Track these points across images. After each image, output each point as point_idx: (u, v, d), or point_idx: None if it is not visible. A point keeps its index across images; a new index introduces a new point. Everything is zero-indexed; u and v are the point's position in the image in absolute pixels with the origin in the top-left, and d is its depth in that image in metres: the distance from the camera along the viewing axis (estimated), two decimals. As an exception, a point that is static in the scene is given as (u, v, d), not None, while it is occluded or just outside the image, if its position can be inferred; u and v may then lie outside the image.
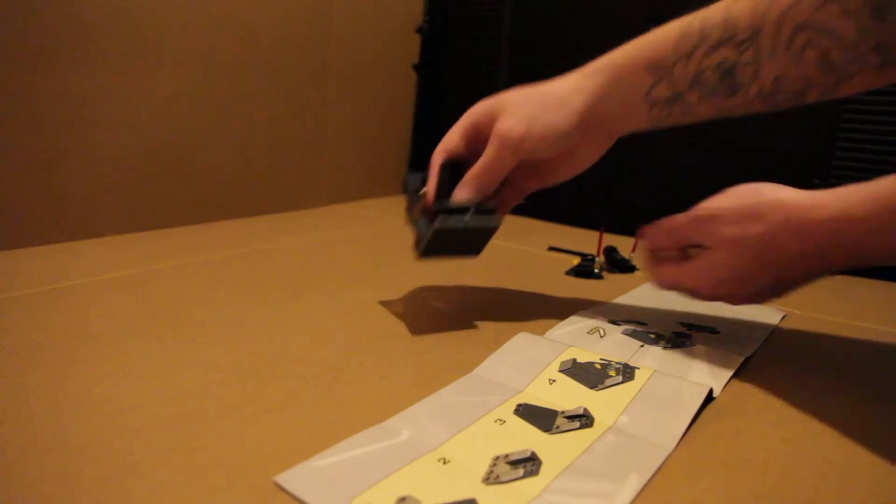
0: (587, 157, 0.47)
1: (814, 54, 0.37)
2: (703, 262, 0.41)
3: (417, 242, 0.46)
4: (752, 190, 0.40)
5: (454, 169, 0.45)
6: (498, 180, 0.44)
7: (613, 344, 0.43)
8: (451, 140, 0.47)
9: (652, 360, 0.40)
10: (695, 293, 0.42)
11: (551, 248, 0.72)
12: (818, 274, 0.39)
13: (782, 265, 0.38)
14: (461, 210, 0.43)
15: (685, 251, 0.43)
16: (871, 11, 0.35)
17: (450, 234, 0.44)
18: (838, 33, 0.36)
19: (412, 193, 0.47)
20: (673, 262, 0.43)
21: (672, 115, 0.44)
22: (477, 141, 0.46)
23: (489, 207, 0.44)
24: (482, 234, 0.46)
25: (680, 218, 0.42)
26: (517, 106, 0.44)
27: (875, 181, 0.35)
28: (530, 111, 0.43)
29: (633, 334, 0.44)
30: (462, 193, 0.44)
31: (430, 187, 0.45)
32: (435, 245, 0.45)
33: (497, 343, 0.41)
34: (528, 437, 0.31)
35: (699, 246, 0.41)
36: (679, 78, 0.42)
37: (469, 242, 0.46)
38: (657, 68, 0.43)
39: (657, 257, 0.44)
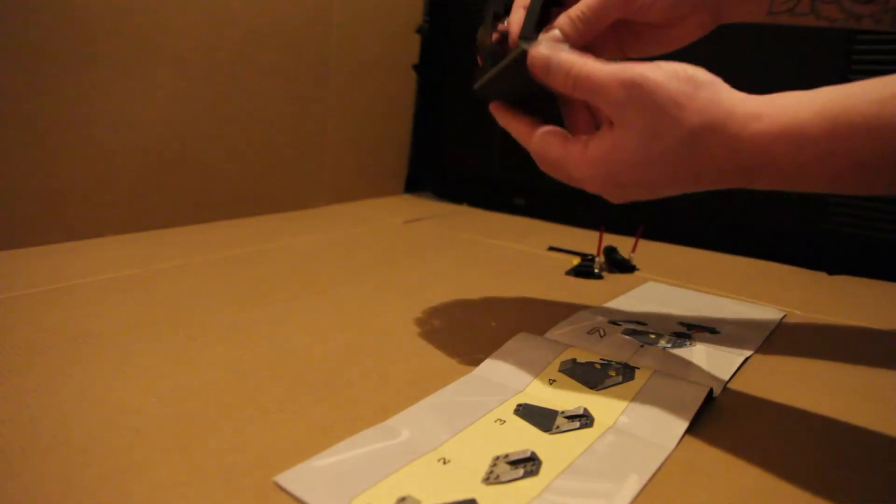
0: (686, 35, 0.41)
1: None
2: (601, 142, 0.34)
3: (480, 72, 0.41)
4: (690, 76, 0.33)
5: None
6: (601, 27, 0.38)
7: (613, 344, 0.43)
8: None
9: (652, 360, 0.40)
10: (576, 178, 0.37)
11: (551, 248, 0.72)
12: (726, 186, 0.35)
13: (693, 174, 0.34)
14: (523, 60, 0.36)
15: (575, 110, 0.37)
16: None
17: (521, 75, 0.37)
18: None
19: (492, 17, 0.41)
20: (561, 132, 0.37)
21: (797, 8, 0.38)
22: None
23: None
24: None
25: (603, 69, 0.34)
26: None
27: (818, 92, 0.30)
28: None
29: (633, 334, 0.44)
30: (556, 33, 0.38)
31: (516, 18, 0.38)
32: (499, 84, 0.40)
33: (497, 343, 0.41)
34: (528, 437, 0.31)
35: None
36: None
37: (541, 89, 0.38)
38: None
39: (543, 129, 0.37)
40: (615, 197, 0.37)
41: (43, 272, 0.54)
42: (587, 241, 0.72)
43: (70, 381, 0.35)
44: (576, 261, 0.65)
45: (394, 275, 0.59)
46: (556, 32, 0.38)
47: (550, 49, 0.36)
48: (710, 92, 0.32)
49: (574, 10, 0.38)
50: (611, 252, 0.65)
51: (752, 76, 0.41)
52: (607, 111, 0.34)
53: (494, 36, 0.41)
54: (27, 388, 0.34)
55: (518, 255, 0.69)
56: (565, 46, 0.36)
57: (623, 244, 0.67)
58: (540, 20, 0.38)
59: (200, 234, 0.71)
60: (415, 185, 1.05)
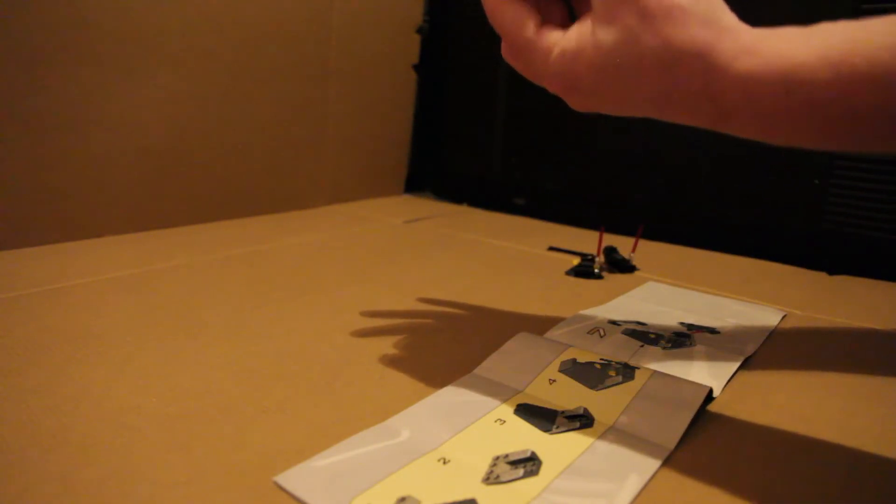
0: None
1: None
2: (578, 36, 0.31)
3: None
4: None
5: None
6: None
7: (613, 344, 0.43)
8: None
9: (652, 360, 0.40)
10: (542, 67, 0.33)
11: (551, 248, 0.72)
12: (692, 123, 0.31)
13: (662, 98, 0.31)
14: None
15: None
16: None
17: None
18: None
19: None
20: (535, 16, 0.33)
21: None
22: None
23: None
24: None
25: None
26: None
27: (817, 29, 0.27)
28: None
29: (633, 334, 0.44)
30: None
31: None
32: None
33: (497, 343, 0.41)
34: (528, 437, 0.31)
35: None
36: None
37: None
38: None
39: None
40: (575, 102, 0.34)
41: (43, 272, 0.54)
42: (587, 241, 0.72)
43: (70, 381, 0.35)
44: (576, 261, 0.65)
45: (394, 275, 0.59)
46: None
47: None
48: (706, 9, 0.29)
49: None
50: (611, 252, 0.65)
51: (756, 14, 0.38)
52: (595, 2, 0.31)
53: None
54: (27, 388, 0.34)
55: (518, 255, 0.69)
56: None
57: (623, 244, 0.67)
58: None
59: (200, 234, 0.71)
60: (415, 185, 1.05)
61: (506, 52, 0.35)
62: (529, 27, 0.33)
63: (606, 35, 0.30)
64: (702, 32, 0.29)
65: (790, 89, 0.27)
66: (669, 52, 0.29)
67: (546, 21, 0.34)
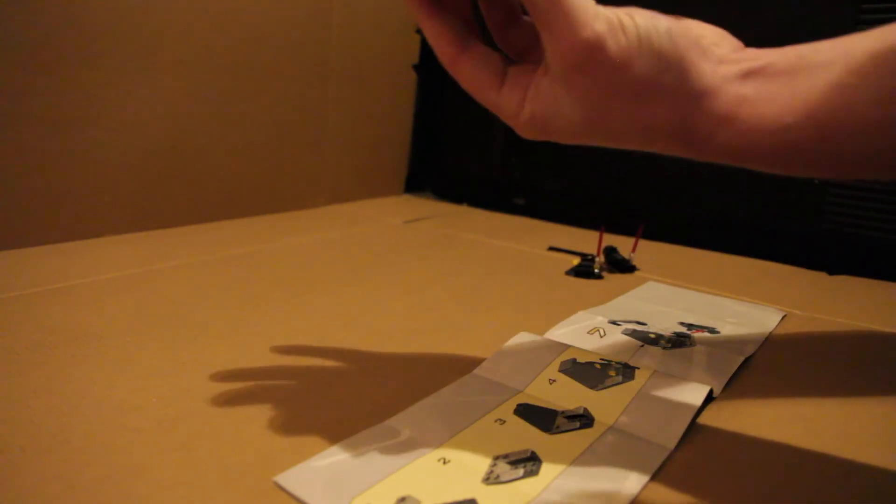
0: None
1: None
2: (540, 103, 0.29)
3: None
4: (658, 52, 0.27)
5: None
6: None
7: (613, 344, 0.43)
8: None
9: (652, 360, 0.40)
10: (510, 122, 0.31)
11: (551, 248, 0.72)
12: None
13: (640, 147, 0.30)
14: None
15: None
16: None
17: None
18: None
19: None
20: (497, 61, 0.31)
21: None
22: None
23: None
24: None
25: (575, 8, 0.26)
26: None
27: (801, 77, 0.26)
28: None
29: (633, 334, 0.44)
30: None
31: None
32: None
33: (497, 343, 0.41)
34: (528, 437, 0.31)
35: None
36: None
37: None
38: None
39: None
40: (550, 139, 0.32)
41: (43, 272, 0.54)
42: (587, 241, 0.72)
43: (70, 381, 0.35)
44: (576, 261, 0.65)
45: (394, 275, 0.59)
46: None
47: None
48: (676, 75, 0.27)
49: None
50: (611, 252, 0.65)
51: (757, 28, 0.36)
52: (553, 62, 0.28)
53: None
54: (27, 388, 0.34)
55: (518, 255, 0.69)
56: None
57: (623, 244, 0.67)
58: None
59: (200, 234, 0.71)
60: (415, 185, 1.05)
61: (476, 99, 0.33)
62: (491, 92, 0.31)
63: (572, 107, 0.28)
64: (674, 109, 0.27)
65: (776, 152, 0.27)
66: (644, 129, 0.28)
67: (501, 39, 0.32)
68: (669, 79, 0.27)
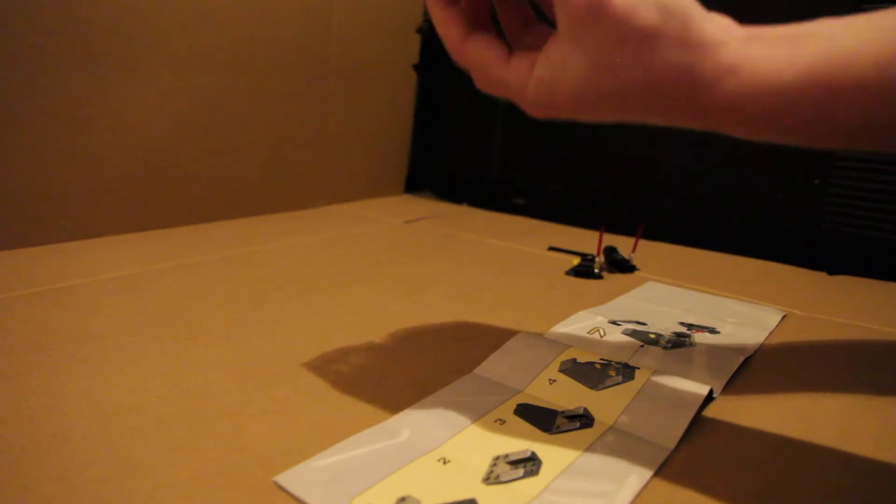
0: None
1: None
2: (549, 64, 0.30)
3: None
4: (662, 3, 0.28)
5: None
6: None
7: (613, 344, 0.43)
8: None
9: (652, 360, 0.40)
10: (518, 94, 0.32)
11: (551, 248, 0.72)
12: (676, 125, 0.31)
13: (644, 112, 0.30)
14: None
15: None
16: None
17: None
18: None
19: None
20: (502, 44, 0.32)
21: None
22: None
23: None
24: None
25: None
26: None
27: (802, 39, 0.27)
28: None
29: (633, 334, 0.44)
30: None
31: None
32: None
33: (497, 343, 0.41)
34: (528, 437, 0.31)
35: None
36: None
37: None
38: None
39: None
40: (551, 115, 0.32)
41: (43, 272, 0.54)
42: (587, 241, 0.72)
43: (70, 381, 0.35)
44: (576, 261, 0.65)
45: (394, 275, 0.59)
46: None
47: None
48: (680, 25, 0.27)
49: None
50: (611, 252, 0.65)
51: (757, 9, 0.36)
52: (562, 22, 0.29)
53: None
54: (27, 388, 0.34)
55: (518, 255, 0.69)
56: None
57: (623, 244, 0.67)
58: None
59: (200, 234, 0.71)
60: (415, 185, 1.05)
61: (480, 85, 0.34)
62: (497, 66, 0.32)
63: (579, 64, 0.29)
64: (680, 56, 0.28)
65: (776, 109, 0.27)
66: (650, 79, 0.28)
67: (515, 39, 0.33)
68: (673, 27, 0.27)
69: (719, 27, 0.28)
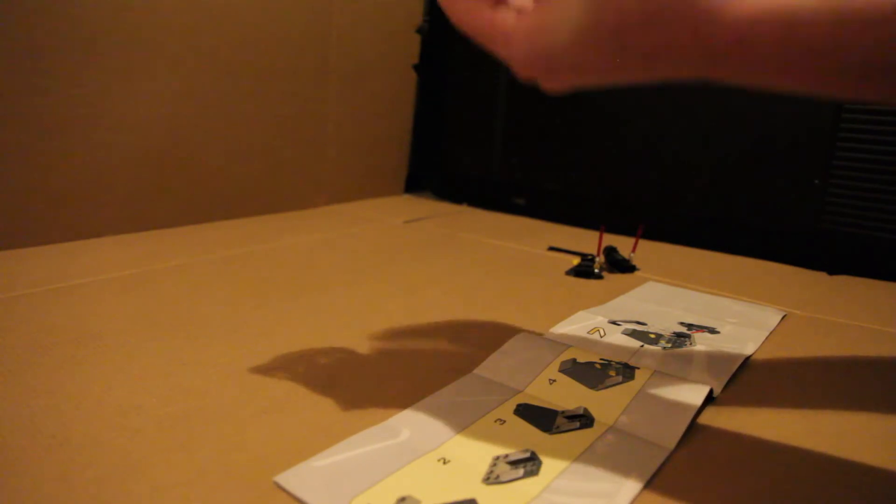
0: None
1: None
2: (538, 11, 0.28)
3: None
4: None
5: None
6: None
7: (613, 344, 0.43)
8: None
9: (652, 360, 0.40)
10: (505, 50, 0.30)
11: (551, 248, 0.72)
12: (678, 76, 0.28)
13: (646, 59, 0.27)
14: None
15: None
16: None
17: None
18: None
19: None
20: None
21: None
22: None
23: None
24: None
25: None
26: None
27: None
28: None
29: (633, 334, 0.44)
30: None
31: None
32: None
33: (497, 343, 0.41)
34: (528, 437, 0.31)
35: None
36: None
37: None
38: None
39: None
40: (549, 82, 0.30)
41: (43, 272, 0.54)
42: (587, 241, 0.72)
43: (70, 381, 0.35)
44: (576, 261, 0.65)
45: (394, 275, 0.59)
46: None
47: None
48: None
49: None
50: (611, 252, 0.65)
51: None
52: None
53: None
54: (27, 388, 0.34)
55: (518, 255, 0.69)
56: None
57: (623, 244, 0.67)
58: None
59: (200, 234, 0.71)
60: (415, 185, 1.05)
61: (463, 29, 0.31)
62: (478, 15, 0.30)
63: (571, 6, 0.26)
64: None
65: (787, 34, 0.24)
66: (648, 13, 0.25)
67: None
68: None
69: None
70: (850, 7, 0.23)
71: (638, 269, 0.64)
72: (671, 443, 0.31)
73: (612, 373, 0.37)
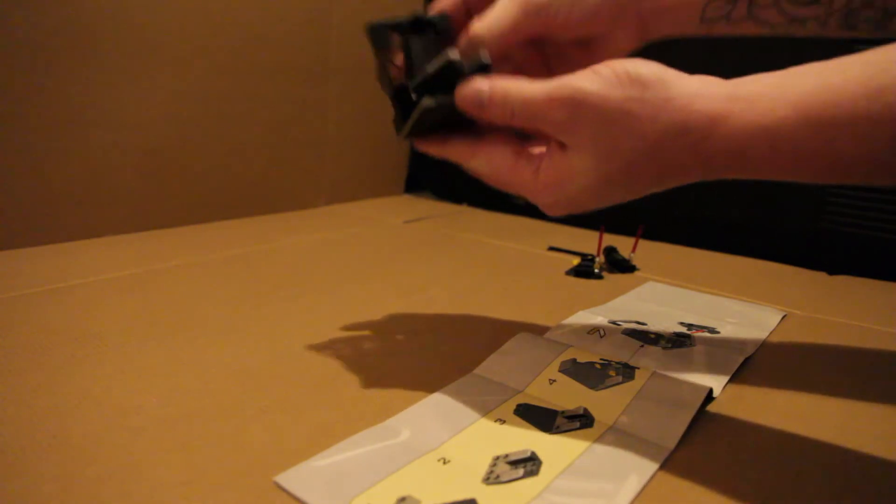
0: (615, 53, 0.37)
1: None
2: (553, 168, 0.32)
3: (397, 119, 0.37)
4: (633, 77, 0.29)
5: (432, 38, 0.36)
6: (507, 40, 0.36)
7: (613, 344, 0.43)
8: None
9: (652, 360, 0.40)
10: (531, 199, 0.34)
11: (551, 248, 0.72)
12: (690, 181, 0.32)
13: (656, 180, 0.31)
14: (449, 75, 0.33)
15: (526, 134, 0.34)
16: None
17: (439, 111, 0.34)
18: None
19: (382, 49, 0.39)
20: (509, 145, 0.34)
21: (733, 14, 0.35)
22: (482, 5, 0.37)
23: (484, 63, 0.33)
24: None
25: (538, 91, 0.31)
26: None
27: (789, 77, 0.28)
28: None
29: (633, 334, 0.44)
30: (455, 51, 0.33)
31: (400, 60, 0.37)
32: (420, 126, 0.35)
33: (497, 343, 0.41)
34: (528, 437, 0.31)
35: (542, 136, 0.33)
36: None
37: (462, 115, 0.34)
38: None
39: (483, 127, 0.34)
40: (576, 211, 0.34)
41: (43, 272, 0.54)
42: (587, 241, 0.72)
43: (70, 381, 0.35)
44: (576, 261, 0.65)
45: (394, 275, 0.59)
46: (476, 37, 0.35)
47: (478, 84, 0.32)
48: (660, 90, 0.29)
49: (473, 25, 0.36)
50: (611, 252, 0.65)
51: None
52: (554, 134, 0.31)
53: (394, 72, 0.37)
54: (27, 388, 0.34)
55: (518, 255, 0.69)
56: (486, 58, 0.33)
57: (623, 244, 0.67)
58: (428, 55, 0.35)
59: (200, 234, 0.71)
60: (415, 185, 1.05)
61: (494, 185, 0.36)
62: (504, 172, 0.34)
63: (582, 159, 0.31)
64: (667, 112, 0.29)
65: (773, 147, 0.27)
66: (649, 145, 0.29)
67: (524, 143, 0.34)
68: (654, 92, 0.29)
69: (703, 81, 0.29)
70: (825, 113, 0.26)
71: (638, 269, 0.64)
72: (671, 443, 0.31)
73: (612, 373, 0.37)
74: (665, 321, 0.48)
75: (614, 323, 0.47)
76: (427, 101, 0.33)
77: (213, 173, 0.76)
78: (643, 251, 0.67)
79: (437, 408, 0.34)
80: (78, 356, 0.38)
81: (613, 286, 0.58)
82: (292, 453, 0.29)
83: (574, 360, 0.39)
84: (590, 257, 0.65)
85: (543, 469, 0.28)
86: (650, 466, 0.29)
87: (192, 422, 0.32)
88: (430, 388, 0.36)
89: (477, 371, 0.38)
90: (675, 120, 0.29)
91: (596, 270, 0.62)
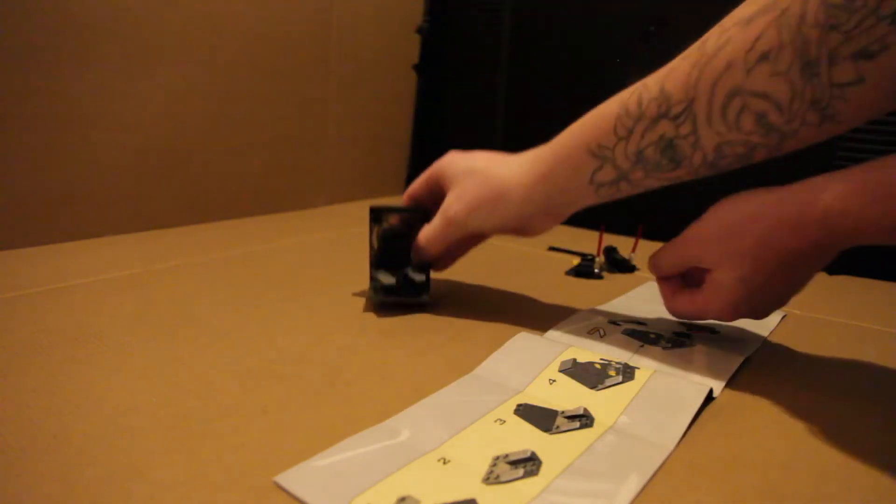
0: (535, 231, 0.49)
1: (751, 118, 0.36)
2: (710, 287, 0.40)
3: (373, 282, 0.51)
4: (730, 207, 0.40)
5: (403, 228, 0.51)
6: (441, 248, 0.49)
7: (613, 344, 0.43)
8: (416, 188, 0.56)
9: (652, 360, 0.40)
10: (719, 318, 0.41)
11: (551, 248, 0.72)
12: (822, 260, 0.38)
13: (783, 264, 0.37)
14: (394, 285, 0.50)
15: (692, 277, 0.42)
16: (800, 71, 0.33)
17: (387, 296, 0.50)
18: (772, 95, 0.35)
19: (377, 226, 0.52)
20: (683, 291, 0.42)
21: (620, 191, 0.44)
22: (438, 193, 0.52)
23: (419, 282, 0.50)
24: (414, 304, 0.50)
25: (661, 254, 0.43)
26: (466, 189, 0.48)
27: (851, 171, 0.34)
28: (475, 198, 0.47)
29: (633, 334, 0.44)
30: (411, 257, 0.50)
31: (374, 247, 0.51)
32: (380, 302, 0.50)
33: (497, 343, 0.41)
34: (528, 437, 0.31)
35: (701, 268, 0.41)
36: (621, 159, 0.42)
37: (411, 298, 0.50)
38: (600, 151, 0.42)
39: (669, 287, 0.43)
40: (756, 315, 0.41)
41: (43, 272, 0.54)
42: (587, 241, 0.72)
43: (70, 381, 0.35)
44: (576, 261, 0.65)
45: (394, 275, 0.59)
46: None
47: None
48: (752, 208, 0.39)
49: (417, 240, 0.50)
50: (611, 252, 0.65)
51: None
52: (692, 264, 0.41)
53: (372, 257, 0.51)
54: (27, 388, 0.34)
55: (518, 255, 0.69)
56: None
57: (623, 244, 0.67)
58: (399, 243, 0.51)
59: (200, 234, 0.71)
60: (415, 185, 1.05)
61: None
62: (670, 303, 0.43)
63: (722, 277, 0.39)
64: (763, 221, 0.38)
65: (845, 219, 0.34)
66: (761, 243, 0.37)
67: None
68: (745, 206, 0.40)
69: (812, 182, 0.36)
70: (875, 194, 0.33)
71: (638, 269, 0.64)
72: (671, 443, 0.31)
73: (612, 373, 0.37)
74: (665, 321, 0.48)
75: (614, 323, 0.47)
76: (374, 285, 0.50)
77: (213, 173, 0.76)
78: (643, 251, 0.67)
79: (436, 408, 0.34)
80: (78, 356, 0.38)
81: (613, 286, 0.58)
82: (292, 453, 0.29)
83: (574, 360, 0.39)
84: (590, 257, 0.65)
85: (543, 469, 0.28)
86: (650, 466, 0.29)
87: (192, 422, 0.32)
88: (430, 388, 0.36)
89: (477, 371, 0.38)
90: (769, 221, 0.38)
91: (596, 270, 0.62)
